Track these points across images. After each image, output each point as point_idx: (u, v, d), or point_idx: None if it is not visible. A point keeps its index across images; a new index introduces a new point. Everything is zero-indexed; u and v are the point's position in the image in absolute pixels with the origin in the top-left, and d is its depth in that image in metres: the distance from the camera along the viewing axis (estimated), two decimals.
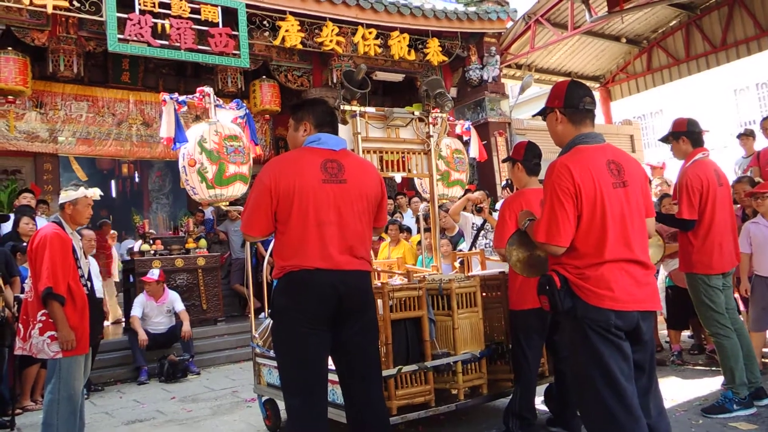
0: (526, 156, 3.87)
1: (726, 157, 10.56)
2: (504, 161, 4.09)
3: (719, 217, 4.00)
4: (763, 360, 5.02)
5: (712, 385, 4.64)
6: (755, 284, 4.93)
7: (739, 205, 5.40)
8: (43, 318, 3.65)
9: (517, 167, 3.90)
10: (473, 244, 5.48)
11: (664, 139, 4.29)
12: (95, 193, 4.02)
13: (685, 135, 4.15)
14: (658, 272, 5.70)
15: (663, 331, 6.07)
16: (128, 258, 8.54)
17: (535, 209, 3.63)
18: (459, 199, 5.76)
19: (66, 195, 3.92)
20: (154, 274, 7.07)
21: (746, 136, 7.00)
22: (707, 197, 3.97)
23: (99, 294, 6.52)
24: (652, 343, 2.57)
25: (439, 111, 4.67)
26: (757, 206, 4.92)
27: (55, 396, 3.62)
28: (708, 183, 3.98)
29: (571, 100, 2.60)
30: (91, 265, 6.45)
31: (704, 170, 4.03)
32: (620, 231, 2.45)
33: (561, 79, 13.64)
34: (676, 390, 4.56)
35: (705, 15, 12.14)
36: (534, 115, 3.00)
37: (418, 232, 6.76)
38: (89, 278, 4.01)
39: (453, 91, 11.06)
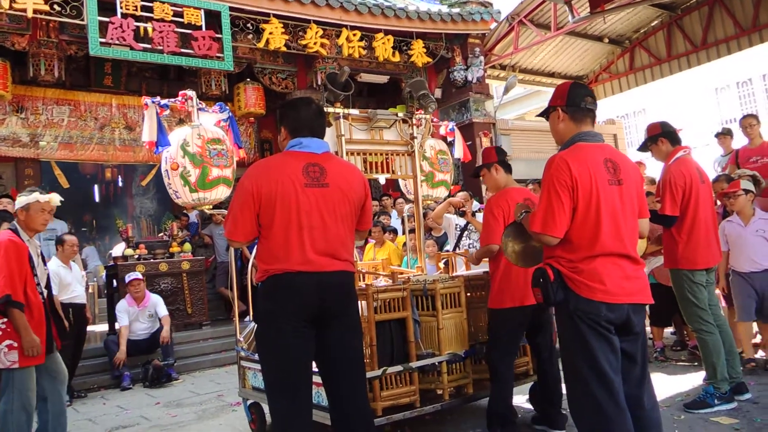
0: (500, 156, 3.95)
1: (707, 155, 10.68)
2: (475, 174, 4.11)
3: (702, 213, 4.06)
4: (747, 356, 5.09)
5: (694, 380, 4.70)
6: (734, 279, 5.02)
7: (720, 203, 5.47)
8: (2, 326, 3.55)
9: (494, 168, 3.92)
10: (456, 245, 5.51)
11: (643, 148, 4.37)
12: (51, 198, 3.94)
13: (663, 136, 4.25)
14: None
15: (646, 328, 6.12)
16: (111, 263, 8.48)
17: None
18: (441, 202, 5.78)
19: (18, 201, 3.86)
20: (137, 275, 7.06)
21: (724, 135, 7.08)
22: (690, 194, 4.03)
23: (82, 300, 6.50)
24: (644, 334, 2.64)
25: (422, 112, 4.69)
26: (730, 205, 5.01)
27: (9, 407, 3.55)
28: (691, 180, 4.05)
29: (573, 99, 2.70)
30: (74, 271, 6.41)
31: (687, 167, 4.10)
32: (613, 225, 2.53)
33: (545, 79, 13.78)
34: (659, 386, 4.56)
35: (686, 15, 12.27)
36: (537, 116, 3.08)
37: (404, 233, 6.77)
38: (47, 286, 3.95)
39: (438, 92, 11.09)
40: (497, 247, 3.64)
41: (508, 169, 3.95)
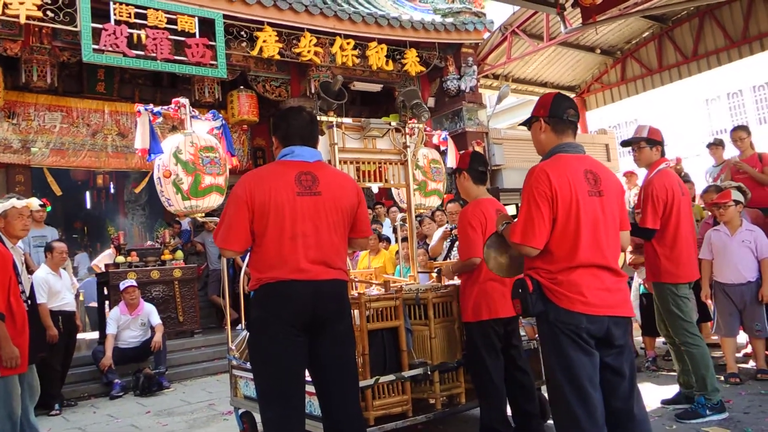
0: (471, 164, 3.86)
1: (698, 166, 10.76)
2: (450, 174, 4.10)
3: (683, 227, 4.07)
4: (740, 365, 5.11)
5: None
6: (716, 291, 5.07)
7: (710, 214, 5.51)
8: None
9: (462, 176, 3.87)
10: (448, 255, 5.52)
11: (634, 142, 4.28)
12: (29, 203, 3.91)
13: (660, 144, 4.24)
14: (632, 279, 5.78)
15: (638, 338, 6.14)
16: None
17: (492, 220, 3.66)
18: (435, 210, 5.81)
19: None
20: (131, 282, 7.03)
21: (716, 145, 7.13)
22: (672, 207, 4.03)
23: (72, 307, 6.45)
24: (629, 348, 2.61)
25: (416, 121, 4.70)
26: (719, 216, 5.05)
27: None
28: (673, 193, 4.05)
29: (555, 111, 2.70)
30: (64, 278, 6.36)
31: (669, 180, 4.11)
32: (593, 237, 2.52)
33: (538, 89, 13.86)
34: (651, 395, 4.61)
35: (676, 26, 12.40)
36: (520, 125, 3.08)
37: (396, 241, 6.78)
38: (30, 296, 3.89)
39: (431, 101, 11.13)
40: (479, 260, 3.61)
41: (478, 178, 3.85)
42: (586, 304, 2.46)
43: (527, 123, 2.84)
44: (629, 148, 4.39)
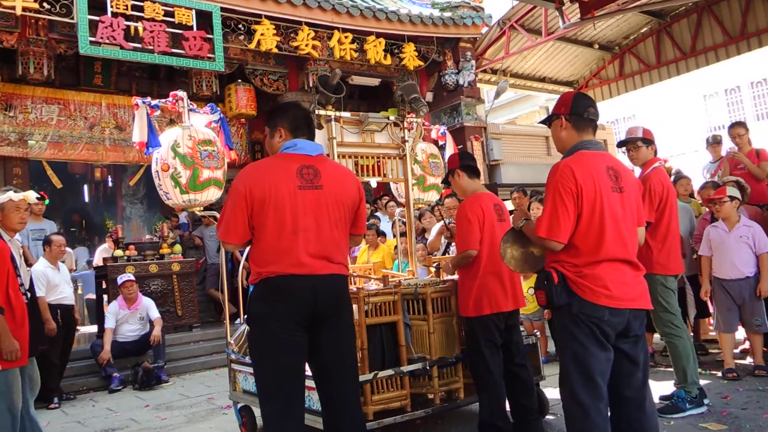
0: (462, 161, 3.92)
1: (696, 161, 10.77)
2: (444, 182, 4.15)
3: (674, 222, 4.21)
4: (737, 362, 5.13)
5: None
6: (714, 286, 5.09)
7: (708, 210, 5.53)
8: None
9: (456, 175, 3.90)
10: (446, 250, 5.52)
11: (631, 141, 4.39)
12: (26, 196, 3.89)
13: (653, 143, 4.39)
14: None
15: None
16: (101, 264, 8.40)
17: (491, 213, 3.68)
18: (433, 205, 5.80)
19: None
20: (129, 276, 7.02)
21: (715, 143, 7.16)
22: (666, 203, 4.16)
23: (71, 301, 6.44)
24: (644, 339, 2.67)
25: (414, 116, 4.69)
26: (716, 212, 5.08)
27: None
28: (668, 189, 4.19)
29: (576, 109, 2.74)
30: (62, 272, 6.35)
31: (665, 177, 4.26)
32: (616, 231, 2.58)
33: (536, 84, 13.87)
34: None
35: (675, 22, 12.41)
36: (540, 122, 3.11)
37: (394, 236, 6.78)
38: (30, 288, 3.89)
39: (429, 96, 11.12)
40: (475, 252, 3.63)
41: (472, 173, 3.91)
42: (610, 298, 2.51)
43: (547, 120, 2.89)
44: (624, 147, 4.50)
